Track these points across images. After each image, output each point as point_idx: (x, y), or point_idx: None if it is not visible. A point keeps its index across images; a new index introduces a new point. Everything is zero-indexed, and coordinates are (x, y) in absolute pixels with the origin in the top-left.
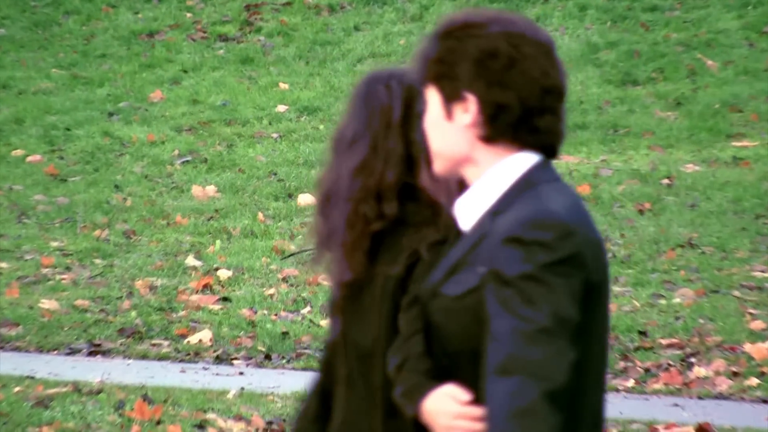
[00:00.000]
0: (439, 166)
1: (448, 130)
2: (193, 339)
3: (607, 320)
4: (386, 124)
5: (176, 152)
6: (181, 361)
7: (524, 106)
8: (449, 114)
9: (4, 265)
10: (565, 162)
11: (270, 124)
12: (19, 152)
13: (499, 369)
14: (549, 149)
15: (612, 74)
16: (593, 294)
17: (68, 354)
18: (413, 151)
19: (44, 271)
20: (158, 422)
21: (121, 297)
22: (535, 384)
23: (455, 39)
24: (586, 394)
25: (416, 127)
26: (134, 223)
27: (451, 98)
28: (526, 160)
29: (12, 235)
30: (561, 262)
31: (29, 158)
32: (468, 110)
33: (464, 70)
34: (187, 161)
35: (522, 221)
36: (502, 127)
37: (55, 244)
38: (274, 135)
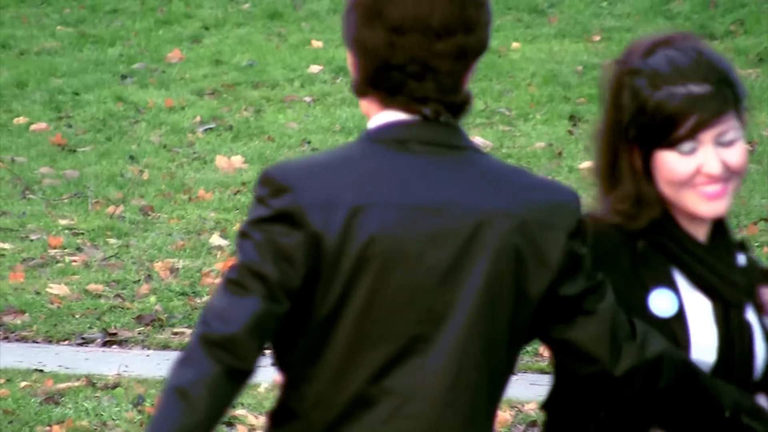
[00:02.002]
0: None
1: None
2: None
3: (389, 296)
4: None
5: (198, 119)
6: None
7: (377, 59)
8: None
9: (7, 246)
10: None
11: (302, 86)
12: (22, 120)
13: None
14: (424, 110)
15: (685, 27)
16: (341, 262)
17: (80, 344)
18: None
19: (52, 252)
20: None
21: (139, 281)
22: (198, 330)
23: None
24: (321, 366)
25: None
26: (152, 198)
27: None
28: (382, 119)
29: (16, 213)
30: (269, 218)
31: (33, 126)
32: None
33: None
34: (210, 129)
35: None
36: (365, 80)
37: (63, 222)
38: (307, 99)
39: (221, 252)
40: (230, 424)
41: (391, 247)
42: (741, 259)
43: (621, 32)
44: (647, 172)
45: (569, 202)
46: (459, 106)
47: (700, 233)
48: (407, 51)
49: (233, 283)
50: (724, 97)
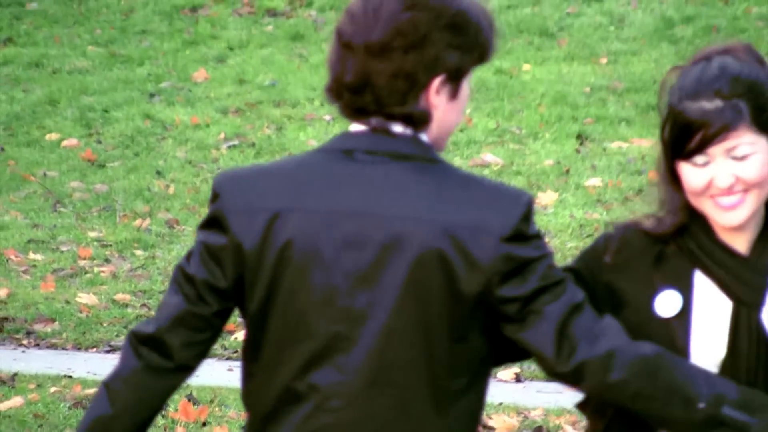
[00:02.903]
0: None
1: None
2: (240, 335)
3: (307, 296)
4: None
5: (222, 136)
6: (228, 359)
7: (332, 72)
8: None
9: (38, 257)
10: (637, 146)
11: (322, 105)
12: (53, 136)
13: None
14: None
15: (688, 51)
16: (263, 263)
17: (108, 352)
18: None
19: (81, 263)
20: (204, 424)
21: (164, 291)
22: (133, 327)
23: None
24: (258, 362)
25: None
26: (177, 211)
27: None
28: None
29: (47, 225)
30: (204, 222)
31: (65, 142)
32: None
33: None
34: (234, 145)
35: None
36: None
37: (92, 234)
38: (327, 117)
39: None
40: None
41: (307, 249)
42: None
43: (627, 55)
44: (677, 181)
45: (508, 208)
46: (408, 117)
47: (739, 242)
48: (352, 66)
49: (171, 283)
50: (734, 112)
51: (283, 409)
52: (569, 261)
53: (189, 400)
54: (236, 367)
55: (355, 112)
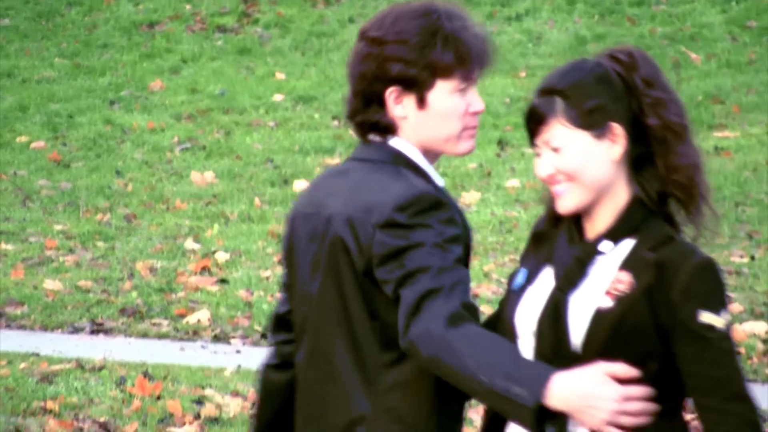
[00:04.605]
0: None
1: None
2: (191, 319)
3: (296, 286)
4: None
5: (176, 139)
6: (180, 339)
7: None
8: None
9: (9, 247)
10: None
11: (266, 112)
12: (23, 138)
13: None
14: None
15: None
16: (288, 262)
17: (71, 332)
18: None
19: (48, 253)
20: (158, 398)
21: (123, 278)
22: None
23: None
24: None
25: None
26: (135, 207)
27: None
28: None
29: (17, 219)
30: None
31: (33, 144)
32: None
33: None
34: (186, 148)
35: None
36: None
37: (58, 227)
38: (271, 123)
39: (194, 254)
40: (199, 402)
41: (292, 247)
42: (606, 246)
43: (544, 69)
44: None
45: (388, 201)
46: (374, 126)
47: (590, 230)
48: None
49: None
50: (547, 107)
51: (297, 376)
52: (491, 254)
53: (144, 376)
54: (187, 347)
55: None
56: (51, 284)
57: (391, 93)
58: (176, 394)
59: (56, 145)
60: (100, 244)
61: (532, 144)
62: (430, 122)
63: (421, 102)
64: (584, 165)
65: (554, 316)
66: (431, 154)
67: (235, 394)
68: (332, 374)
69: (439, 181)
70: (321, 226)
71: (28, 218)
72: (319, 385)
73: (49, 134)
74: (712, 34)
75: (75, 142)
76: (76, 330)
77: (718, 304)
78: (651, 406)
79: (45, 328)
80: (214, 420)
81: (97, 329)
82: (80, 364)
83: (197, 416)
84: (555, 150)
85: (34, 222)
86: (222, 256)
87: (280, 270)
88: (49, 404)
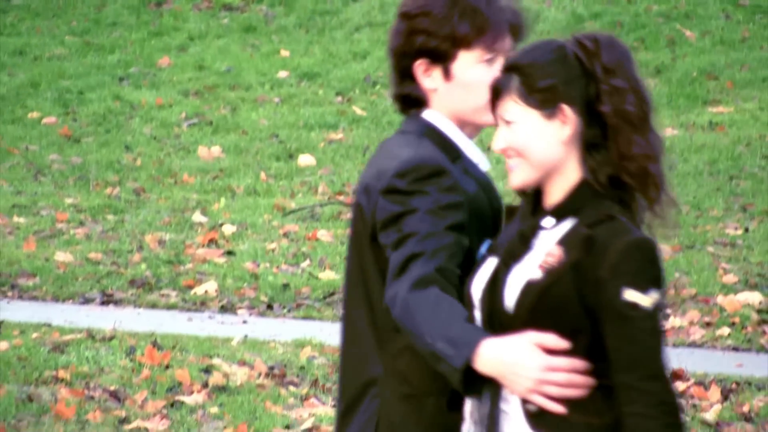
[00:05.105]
0: None
1: None
2: (199, 290)
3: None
4: None
5: (183, 115)
6: (188, 310)
7: None
8: None
9: (21, 220)
10: None
11: (272, 89)
12: (35, 115)
13: None
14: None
15: None
16: None
17: (82, 303)
18: None
19: (59, 225)
20: (167, 367)
21: (132, 250)
22: None
23: None
24: None
25: None
26: (144, 181)
27: None
28: None
29: (29, 192)
30: None
31: (45, 120)
32: None
33: None
34: (194, 124)
35: None
36: None
37: (69, 200)
38: (276, 99)
39: (201, 227)
40: (207, 371)
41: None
42: (548, 222)
43: None
44: None
45: (392, 168)
46: (406, 98)
47: (548, 201)
48: None
49: None
50: (504, 83)
51: None
52: None
53: (154, 346)
54: (195, 317)
55: None
56: (62, 256)
57: (419, 66)
58: (184, 364)
59: (67, 121)
60: (109, 217)
61: (495, 118)
62: (457, 93)
63: (447, 73)
64: (532, 143)
65: (492, 286)
66: (466, 126)
67: (242, 363)
68: (354, 336)
69: (474, 152)
70: (354, 195)
71: (39, 192)
72: (346, 345)
73: (60, 110)
74: (707, 12)
75: (85, 117)
76: (87, 301)
77: (647, 283)
78: (583, 380)
79: (56, 299)
80: (222, 389)
81: (107, 300)
82: (91, 334)
83: (205, 385)
84: (507, 125)
85: (45, 196)
86: (229, 229)
87: (285, 242)
88: (61, 373)
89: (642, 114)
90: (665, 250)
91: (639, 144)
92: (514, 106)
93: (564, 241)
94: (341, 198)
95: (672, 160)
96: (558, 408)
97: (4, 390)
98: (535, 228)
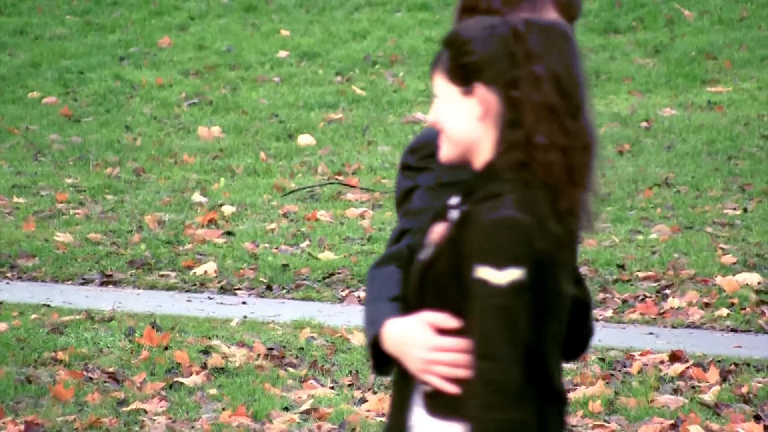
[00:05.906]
0: None
1: None
2: (198, 270)
3: None
4: None
5: (183, 95)
6: (188, 291)
7: None
8: None
9: (21, 200)
10: None
11: (272, 68)
12: (35, 94)
13: None
14: None
15: (595, 23)
16: None
17: (81, 284)
18: None
19: (59, 206)
20: (166, 348)
21: (131, 231)
22: None
23: None
24: None
25: None
26: (143, 161)
27: None
28: None
29: (29, 173)
30: None
31: (45, 100)
32: None
33: None
34: (194, 103)
35: None
36: None
37: (69, 180)
38: (276, 79)
39: (201, 207)
40: (206, 352)
41: None
42: (453, 201)
43: None
44: None
45: (408, 145)
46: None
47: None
48: None
49: None
50: (437, 58)
51: None
52: None
53: (153, 327)
54: (194, 298)
55: None
56: (62, 237)
57: None
58: (183, 345)
59: (67, 101)
60: (109, 197)
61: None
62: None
63: None
64: (449, 118)
65: (407, 264)
66: None
67: (241, 344)
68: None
69: None
70: None
71: (39, 172)
72: None
73: (60, 90)
74: None
75: (85, 97)
76: (86, 281)
77: (504, 260)
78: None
79: (56, 279)
80: (221, 370)
81: (107, 281)
82: (90, 315)
83: (204, 366)
84: (435, 98)
85: (45, 176)
86: (228, 209)
87: (284, 223)
88: (60, 354)
89: (559, 104)
90: (663, 230)
91: (547, 135)
92: (440, 81)
93: (453, 219)
94: (341, 178)
95: (671, 140)
96: (451, 388)
97: (2, 371)
98: (445, 207)
